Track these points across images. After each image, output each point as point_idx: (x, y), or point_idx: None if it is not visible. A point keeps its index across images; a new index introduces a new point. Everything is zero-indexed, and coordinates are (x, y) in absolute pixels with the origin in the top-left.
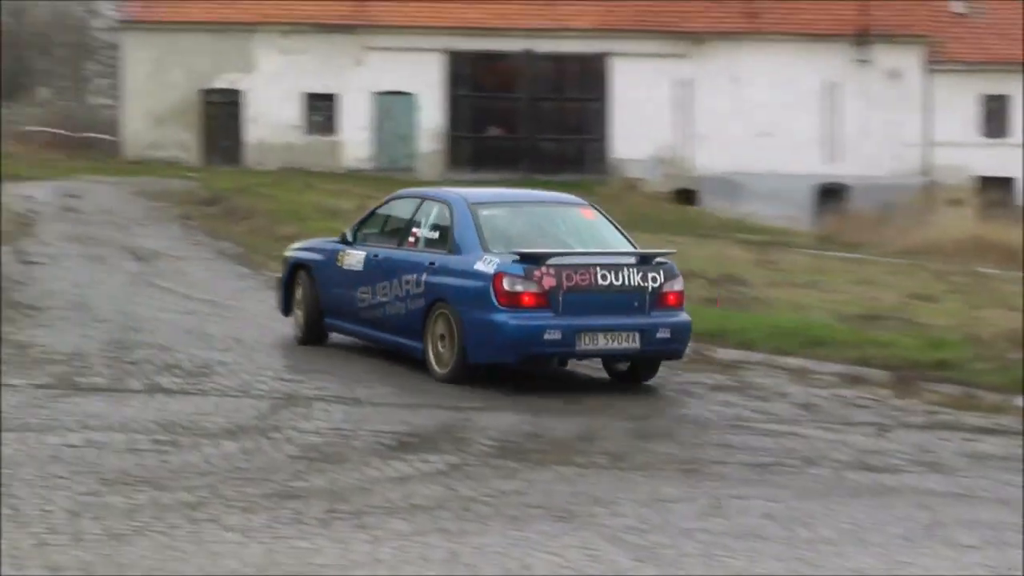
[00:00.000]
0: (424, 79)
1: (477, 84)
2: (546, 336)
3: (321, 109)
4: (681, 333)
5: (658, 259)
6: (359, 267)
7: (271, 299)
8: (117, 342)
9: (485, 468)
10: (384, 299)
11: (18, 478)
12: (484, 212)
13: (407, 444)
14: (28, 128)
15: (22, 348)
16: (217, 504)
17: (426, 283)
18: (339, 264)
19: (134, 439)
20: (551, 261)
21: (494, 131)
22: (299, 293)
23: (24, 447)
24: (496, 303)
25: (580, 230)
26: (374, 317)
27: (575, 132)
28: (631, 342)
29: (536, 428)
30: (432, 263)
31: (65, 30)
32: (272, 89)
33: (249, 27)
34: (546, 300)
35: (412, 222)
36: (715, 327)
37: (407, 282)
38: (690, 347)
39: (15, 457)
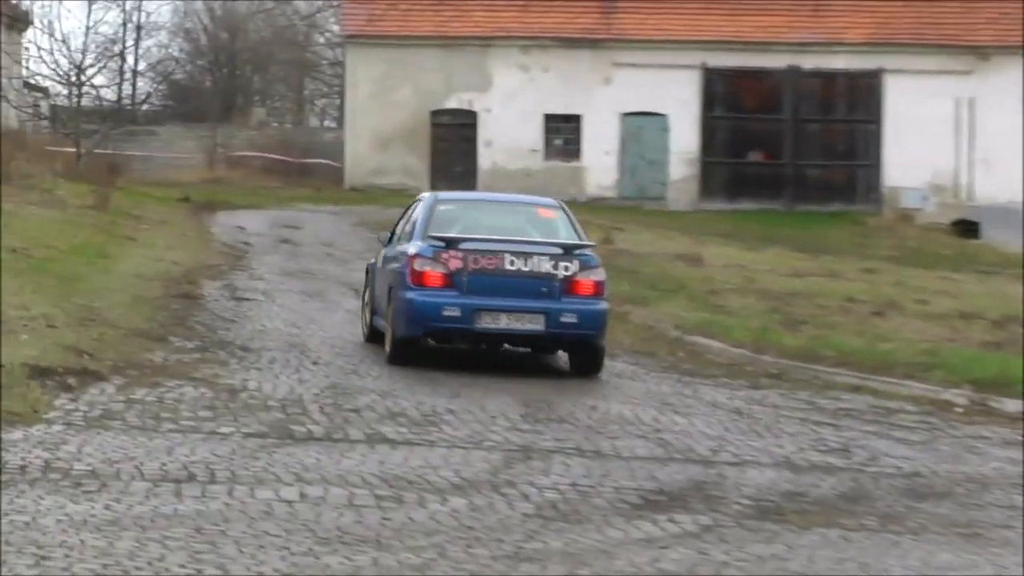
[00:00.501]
0: (676, 98)
1: (735, 104)
2: (445, 312)
3: (562, 132)
4: (589, 319)
5: (578, 251)
6: (380, 265)
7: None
8: (335, 387)
9: (741, 530)
10: (380, 292)
11: (227, 536)
12: (442, 207)
13: (654, 502)
14: (242, 153)
15: (232, 393)
16: (444, 566)
17: (387, 271)
18: (376, 264)
19: (353, 494)
20: (463, 245)
21: (754, 156)
22: (365, 294)
23: (233, 502)
24: (409, 282)
25: (531, 225)
26: (381, 310)
27: (844, 157)
28: (535, 324)
29: (796, 485)
30: (395, 255)
31: (284, 47)
32: (509, 110)
33: (484, 41)
34: (451, 280)
35: (404, 220)
36: (998, 375)
37: (387, 273)
38: (969, 395)
39: (224, 513)
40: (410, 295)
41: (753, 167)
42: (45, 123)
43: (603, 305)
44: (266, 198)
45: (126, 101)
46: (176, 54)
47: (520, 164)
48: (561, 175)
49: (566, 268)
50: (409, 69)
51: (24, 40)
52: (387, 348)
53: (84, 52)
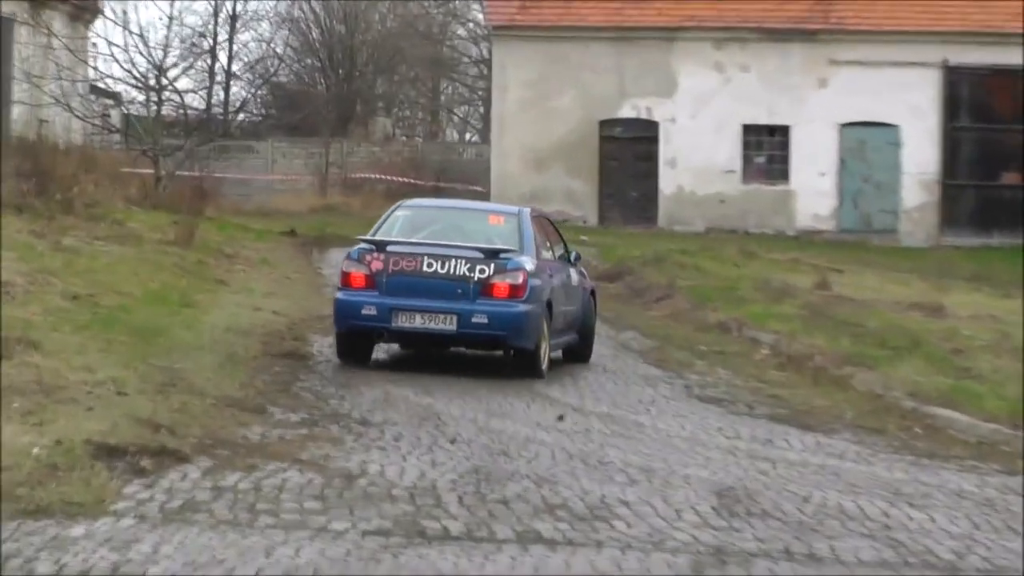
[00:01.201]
0: (910, 105)
1: (985, 112)
2: (363, 311)
3: (765, 147)
4: (501, 320)
5: (501, 255)
6: None
7: (694, 412)
8: (478, 471)
9: None
10: None
11: None
12: (400, 212)
13: None
14: (363, 175)
15: (349, 479)
16: None
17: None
18: None
19: None
20: (389, 248)
21: (1009, 178)
22: None
23: None
24: (340, 282)
25: (476, 230)
26: None
27: None
28: (447, 324)
29: None
30: None
31: (415, 42)
32: (698, 120)
33: (669, 33)
34: (372, 281)
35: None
36: None
37: None
38: None
39: None
40: (339, 294)
41: (1008, 191)
42: (117, 137)
43: (519, 308)
44: None
45: (217, 110)
46: (280, 51)
47: (712, 188)
48: (763, 202)
49: (482, 271)
50: (572, 69)
51: (92, 35)
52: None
53: (165, 49)
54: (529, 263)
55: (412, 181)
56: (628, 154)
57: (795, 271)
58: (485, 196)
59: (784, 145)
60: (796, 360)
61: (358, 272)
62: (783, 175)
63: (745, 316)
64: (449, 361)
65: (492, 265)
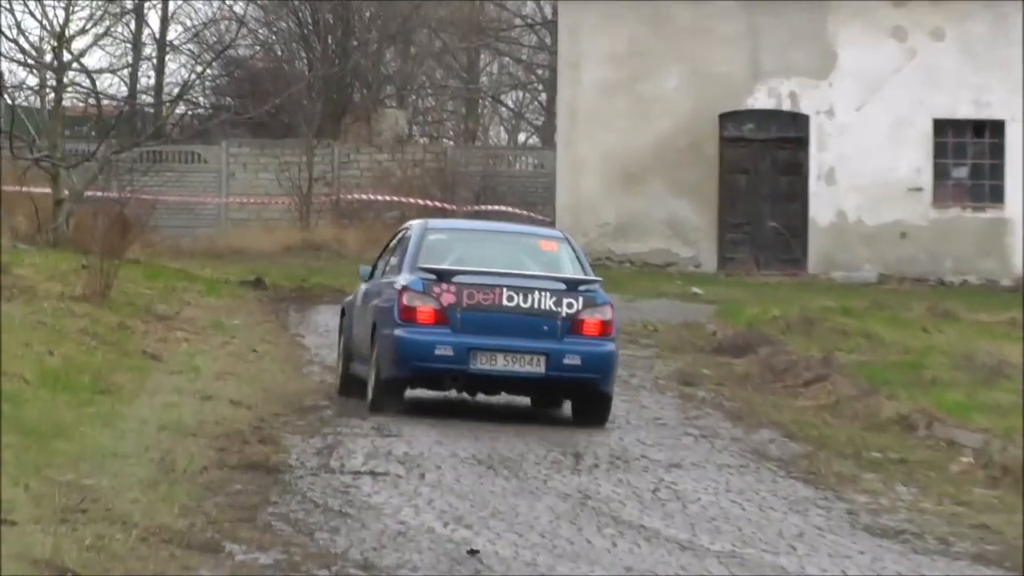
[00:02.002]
0: None
1: None
2: (437, 351)
3: (968, 153)
4: (594, 362)
5: (583, 286)
6: (359, 302)
7: (863, 551)
8: None
9: None
10: (360, 332)
11: None
12: (432, 236)
13: None
14: (362, 196)
15: None
16: None
17: (371, 307)
18: (355, 301)
19: None
20: (457, 279)
21: None
22: (341, 339)
23: None
24: (398, 318)
25: (530, 257)
26: (362, 353)
27: None
28: (535, 365)
29: None
30: (379, 289)
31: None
32: (869, 113)
33: None
34: (445, 316)
35: (390, 250)
36: None
37: (369, 310)
38: None
39: None
40: (398, 332)
41: None
42: None
43: (610, 347)
44: None
45: (146, 99)
46: (240, 11)
47: (888, 215)
48: (964, 235)
49: (569, 305)
50: (680, 36)
51: None
52: (369, 394)
53: (68, 8)
54: (607, 295)
55: (439, 204)
56: (763, 164)
57: (1013, 340)
58: (547, 224)
59: (997, 150)
60: (1013, 473)
61: (425, 306)
62: (995, 195)
63: (937, 407)
64: (494, 464)
65: (581, 299)
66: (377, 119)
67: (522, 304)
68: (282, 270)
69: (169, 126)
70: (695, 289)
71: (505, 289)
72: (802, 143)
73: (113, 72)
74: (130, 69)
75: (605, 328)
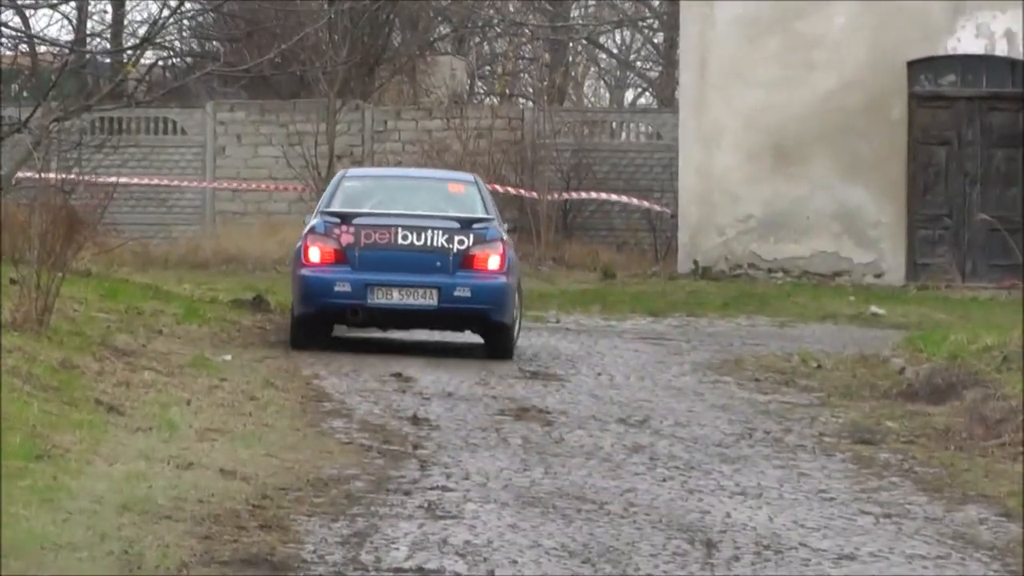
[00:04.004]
0: None
1: None
2: (336, 288)
3: None
4: (484, 293)
5: (476, 224)
6: None
7: None
8: None
9: None
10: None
11: None
12: (348, 183)
13: None
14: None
15: None
16: None
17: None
18: None
19: None
20: (356, 221)
21: None
22: None
23: None
24: (303, 259)
25: (437, 200)
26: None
27: None
28: (428, 299)
29: None
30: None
31: None
32: None
33: None
34: (344, 256)
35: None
36: None
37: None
38: None
39: None
40: (303, 271)
41: None
42: None
43: (501, 280)
44: None
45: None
46: None
47: None
48: None
49: (461, 242)
50: None
51: None
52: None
53: None
54: (504, 233)
55: (513, 191)
56: (971, 132)
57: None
58: (669, 227)
59: None
60: None
61: (326, 247)
62: None
63: None
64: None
65: (472, 235)
66: (426, 71)
67: (415, 242)
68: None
69: (132, 83)
70: (875, 309)
71: (400, 228)
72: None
73: (53, 7)
74: (77, 2)
75: (495, 262)
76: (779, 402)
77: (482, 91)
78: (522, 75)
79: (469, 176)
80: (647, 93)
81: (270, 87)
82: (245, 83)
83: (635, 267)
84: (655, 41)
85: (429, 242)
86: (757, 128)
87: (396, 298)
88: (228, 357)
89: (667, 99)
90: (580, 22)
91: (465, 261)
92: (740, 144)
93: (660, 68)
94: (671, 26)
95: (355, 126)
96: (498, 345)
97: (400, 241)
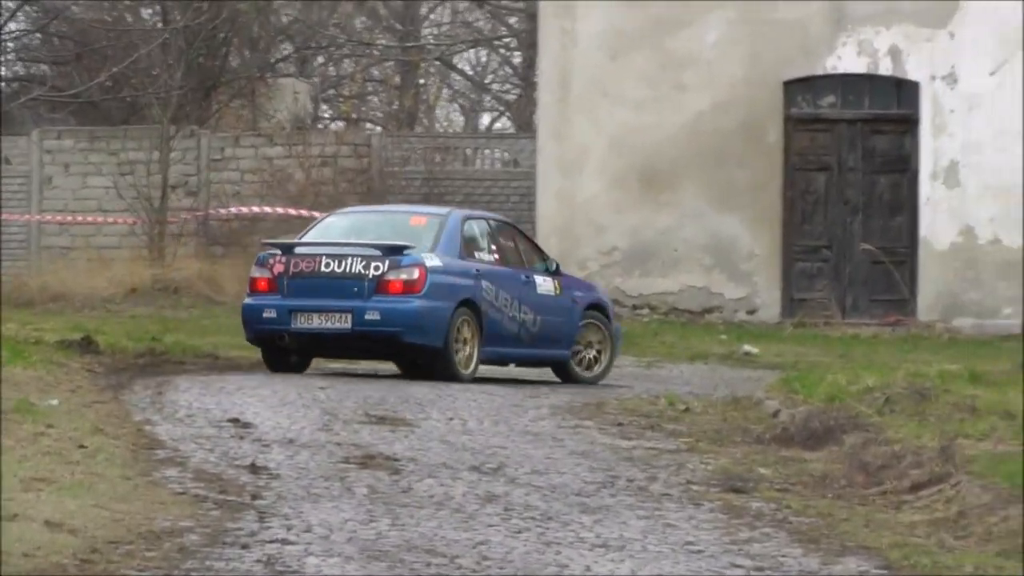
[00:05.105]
0: None
1: None
2: (264, 314)
3: None
4: (393, 316)
5: (396, 251)
6: None
7: None
8: None
9: None
10: None
11: None
12: (329, 219)
13: None
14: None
15: None
16: None
17: None
18: None
19: None
20: (295, 251)
21: None
22: None
23: None
24: (247, 288)
25: (395, 231)
26: None
27: None
28: (343, 322)
29: None
30: None
31: None
32: (1010, 77)
33: None
34: (275, 284)
35: None
36: None
37: None
38: None
39: None
40: (245, 300)
41: None
42: None
43: (414, 303)
44: None
45: None
46: None
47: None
48: None
49: (376, 268)
50: None
51: None
52: None
53: None
54: (434, 259)
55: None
56: (851, 157)
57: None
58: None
59: None
60: None
61: (262, 276)
62: None
63: None
64: None
65: (387, 262)
66: (267, 94)
67: (336, 269)
68: (124, 324)
69: None
70: (748, 348)
71: (324, 257)
72: (910, 125)
73: None
74: None
75: (407, 286)
76: (644, 448)
77: (327, 116)
78: (370, 98)
79: (444, 210)
80: (504, 117)
81: (100, 113)
82: (73, 108)
83: None
84: (513, 61)
85: (348, 269)
86: (623, 153)
87: (316, 323)
88: (55, 402)
89: (525, 123)
90: (432, 42)
91: (380, 286)
92: (605, 170)
93: (518, 90)
94: (529, 44)
95: (190, 154)
96: (435, 369)
97: (323, 269)
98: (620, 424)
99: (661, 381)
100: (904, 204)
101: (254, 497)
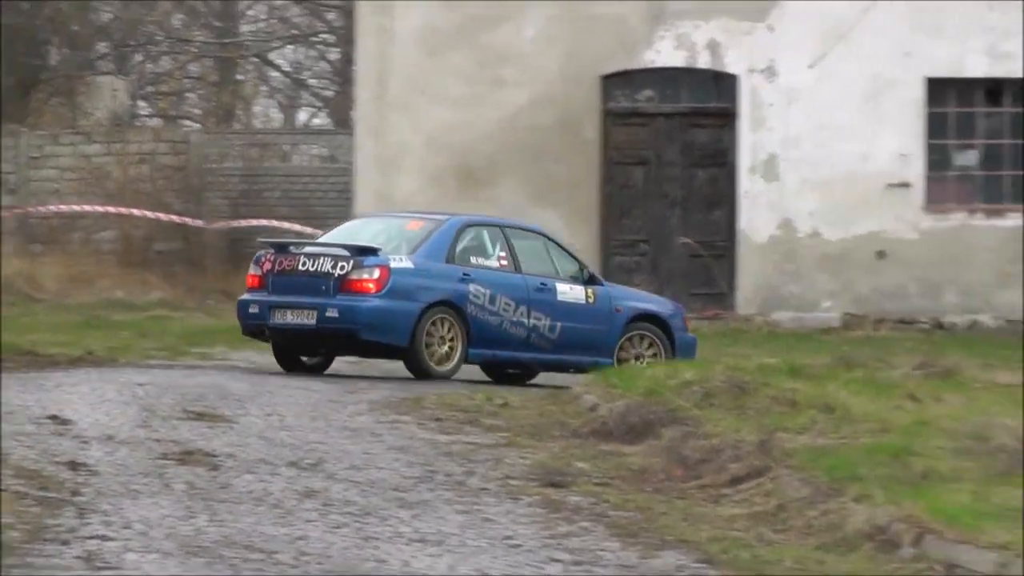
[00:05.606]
0: None
1: None
2: (250, 310)
3: (979, 130)
4: (349, 314)
5: (362, 252)
6: None
7: None
8: None
9: None
10: None
11: None
12: (349, 223)
13: None
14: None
15: None
16: None
17: None
18: None
19: None
20: (287, 250)
21: None
22: None
23: None
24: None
25: (392, 236)
26: None
27: None
28: (308, 319)
29: None
30: None
31: None
32: (829, 72)
33: None
34: (263, 281)
35: None
36: None
37: None
38: None
39: None
40: (242, 296)
41: None
42: None
43: (372, 302)
44: (129, 335)
45: None
46: None
47: (859, 226)
48: (974, 254)
49: (341, 268)
50: None
51: None
52: None
53: None
54: (403, 261)
55: (178, 219)
56: (669, 151)
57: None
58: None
59: (1021, 127)
60: None
61: (254, 273)
62: (1019, 194)
63: (931, 514)
64: None
65: (352, 262)
66: (86, 92)
67: (310, 268)
68: None
69: None
70: None
71: (302, 256)
72: (728, 118)
73: None
74: None
75: (367, 286)
76: (462, 443)
77: (146, 113)
78: (188, 95)
79: (444, 216)
80: (322, 113)
81: None
82: None
83: None
84: (330, 58)
85: (319, 268)
86: (441, 149)
87: (289, 319)
88: None
89: (343, 120)
90: (250, 38)
91: (343, 285)
92: (423, 167)
93: (336, 87)
94: (347, 41)
95: (9, 152)
96: (408, 367)
97: (300, 267)
98: (438, 419)
99: (479, 375)
100: (723, 198)
101: (74, 493)
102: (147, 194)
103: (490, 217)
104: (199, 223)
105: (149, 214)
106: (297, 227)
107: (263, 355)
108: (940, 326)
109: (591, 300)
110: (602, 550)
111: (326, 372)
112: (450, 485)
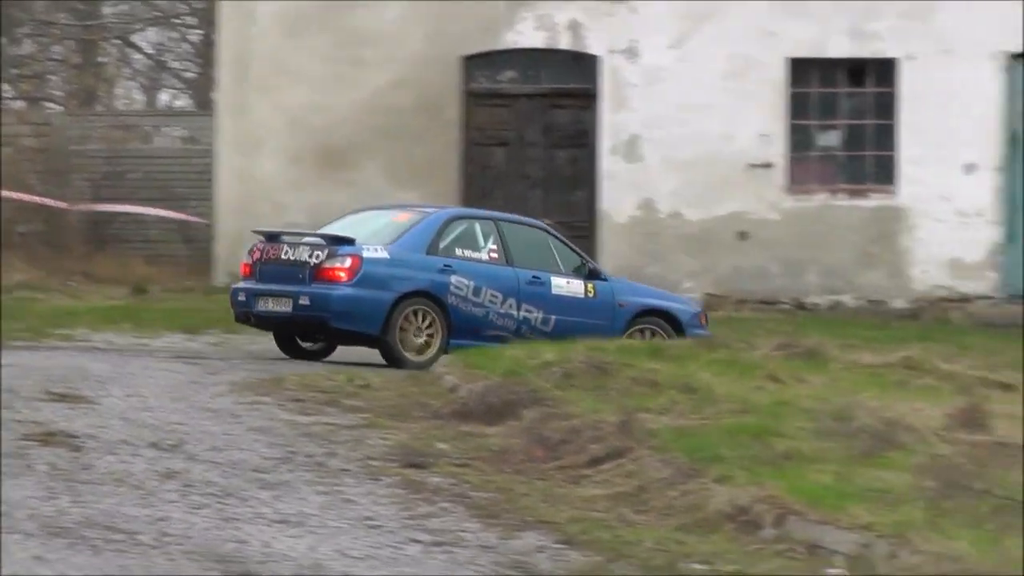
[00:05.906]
0: None
1: None
2: (239, 297)
3: (841, 111)
4: (319, 302)
5: (338, 242)
6: None
7: None
8: None
9: None
10: None
11: None
12: (351, 215)
13: None
14: None
15: None
16: None
17: None
18: None
19: None
20: (277, 239)
21: None
22: None
23: None
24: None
25: (378, 227)
26: None
27: None
28: (285, 306)
29: None
30: None
31: None
32: (690, 51)
33: None
34: (252, 269)
35: None
36: None
37: None
38: None
39: None
40: (235, 283)
41: None
42: None
43: (342, 290)
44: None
45: None
46: None
47: (720, 206)
48: (837, 237)
49: (316, 257)
50: None
51: None
52: None
53: None
54: (377, 251)
55: (40, 201)
56: (531, 132)
57: (909, 389)
58: (206, 238)
59: (885, 106)
60: None
61: (246, 261)
62: (883, 173)
63: (793, 494)
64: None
65: (327, 251)
66: None
67: (291, 257)
68: None
69: None
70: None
71: (285, 246)
72: (589, 99)
73: None
74: None
75: (338, 274)
76: (323, 424)
77: (8, 95)
78: (50, 77)
79: (432, 208)
80: (184, 95)
81: None
82: None
83: (170, 281)
84: (191, 39)
85: (298, 257)
86: (302, 131)
87: (270, 306)
88: None
89: (205, 101)
90: (112, 20)
91: (317, 273)
92: (284, 148)
93: (198, 68)
94: (209, 22)
95: None
96: (383, 355)
97: (282, 256)
98: (299, 400)
99: (338, 357)
100: (584, 178)
101: None
102: (11, 178)
103: (485, 210)
104: (62, 205)
105: (12, 195)
106: (155, 211)
107: (123, 336)
108: (802, 307)
109: (591, 294)
110: (462, 531)
111: (326, 359)
112: (310, 466)
